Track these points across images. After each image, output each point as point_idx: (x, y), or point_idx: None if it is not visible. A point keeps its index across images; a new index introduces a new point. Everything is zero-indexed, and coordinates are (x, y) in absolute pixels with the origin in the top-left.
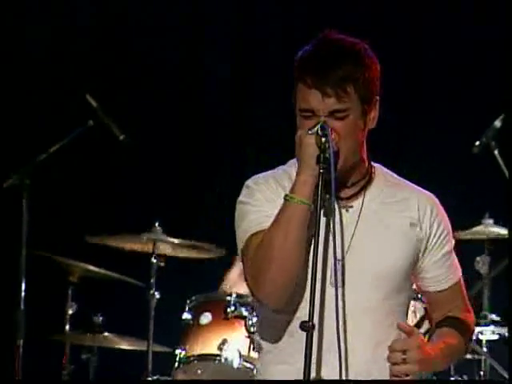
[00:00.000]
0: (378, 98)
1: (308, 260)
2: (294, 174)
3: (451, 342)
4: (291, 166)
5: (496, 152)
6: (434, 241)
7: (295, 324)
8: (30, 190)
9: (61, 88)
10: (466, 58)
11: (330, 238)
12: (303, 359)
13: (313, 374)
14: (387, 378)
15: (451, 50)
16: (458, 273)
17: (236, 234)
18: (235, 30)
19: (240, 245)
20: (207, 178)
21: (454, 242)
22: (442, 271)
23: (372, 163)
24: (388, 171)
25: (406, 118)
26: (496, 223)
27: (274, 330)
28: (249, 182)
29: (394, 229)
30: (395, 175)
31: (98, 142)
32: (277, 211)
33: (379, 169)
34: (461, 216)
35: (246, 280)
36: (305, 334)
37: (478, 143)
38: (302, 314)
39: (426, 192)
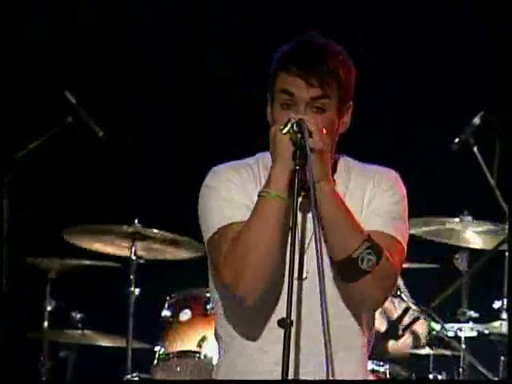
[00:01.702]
0: (351, 103)
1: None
2: (262, 165)
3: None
4: (259, 158)
5: (475, 149)
6: (374, 196)
7: (265, 319)
8: (10, 187)
9: (40, 85)
10: (445, 55)
11: (299, 232)
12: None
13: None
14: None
15: (428, 50)
16: (395, 231)
17: (201, 222)
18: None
19: (207, 233)
20: (190, 175)
21: (404, 216)
22: (374, 219)
23: (335, 155)
24: (346, 158)
25: (381, 117)
26: (474, 220)
27: (236, 320)
28: (216, 168)
29: (353, 208)
30: (353, 161)
31: (77, 139)
32: (248, 200)
33: (341, 158)
34: (439, 212)
35: (219, 276)
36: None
37: (457, 140)
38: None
39: (385, 169)
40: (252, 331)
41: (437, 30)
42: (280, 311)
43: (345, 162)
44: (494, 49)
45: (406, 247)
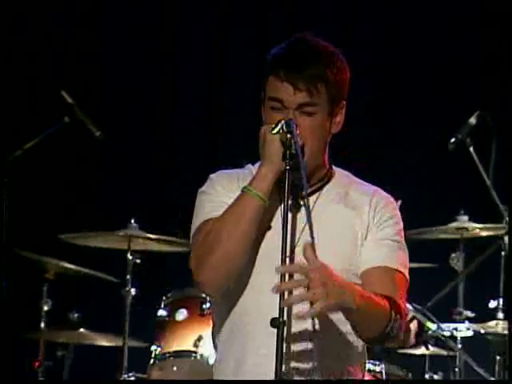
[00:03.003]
0: (344, 102)
1: (257, 253)
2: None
3: (374, 296)
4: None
5: (471, 149)
6: (374, 225)
7: (241, 319)
8: (9, 188)
9: (36, 84)
10: (441, 58)
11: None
12: (246, 353)
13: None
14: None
15: (425, 50)
16: (398, 263)
17: (192, 222)
18: (210, 28)
19: (192, 230)
20: (182, 174)
21: (401, 241)
22: (377, 251)
23: (333, 167)
24: (348, 173)
25: (380, 117)
26: (471, 220)
27: (224, 326)
28: (212, 175)
29: (341, 227)
30: (355, 177)
31: (74, 139)
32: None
33: (339, 171)
34: (435, 212)
35: (190, 263)
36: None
37: (453, 140)
38: (244, 307)
39: (382, 192)
40: (243, 333)
41: (434, 29)
42: (271, 312)
43: (344, 176)
44: (491, 48)
45: (408, 276)
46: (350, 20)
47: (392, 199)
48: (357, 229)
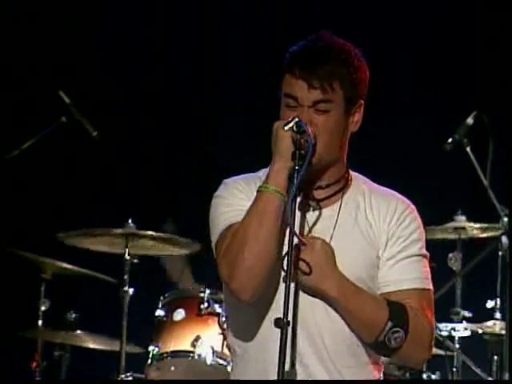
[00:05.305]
0: (362, 101)
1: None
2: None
3: (371, 299)
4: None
5: (468, 149)
6: (395, 239)
7: (267, 323)
8: (8, 188)
9: (34, 84)
10: (438, 56)
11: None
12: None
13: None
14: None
15: (425, 50)
16: (424, 281)
17: (210, 228)
18: (209, 28)
19: (214, 238)
20: (180, 174)
21: (425, 253)
22: (400, 271)
23: (350, 170)
24: (366, 179)
25: (378, 117)
26: (468, 220)
27: (245, 330)
28: (227, 180)
29: (368, 238)
30: (373, 183)
31: (71, 139)
32: None
33: (357, 176)
34: (433, 213)
35: (219, 272)
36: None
37: (450, 140)
38: (273, 313)
39: (405, 199)
40: (263, 337)
41: (434, 29)
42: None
43: (361, 181)
44: (488, 49)
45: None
46: (350, 20)
47: (412, 205)
48: (377, 240)
